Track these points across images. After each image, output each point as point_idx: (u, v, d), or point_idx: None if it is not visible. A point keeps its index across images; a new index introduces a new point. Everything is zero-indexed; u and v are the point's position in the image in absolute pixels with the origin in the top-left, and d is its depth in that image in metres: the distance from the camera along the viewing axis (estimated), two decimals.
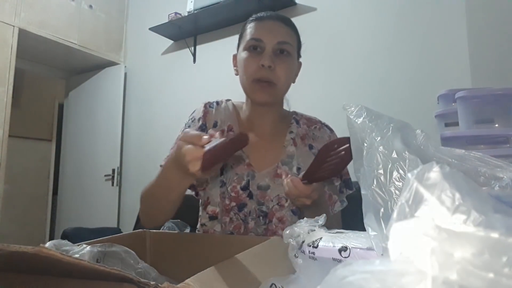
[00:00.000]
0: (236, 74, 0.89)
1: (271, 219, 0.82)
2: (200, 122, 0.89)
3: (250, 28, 0.84)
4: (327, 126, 0.95)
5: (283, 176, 0.74)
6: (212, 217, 0.84)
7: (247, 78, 0.82)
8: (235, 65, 0.90)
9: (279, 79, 0.81)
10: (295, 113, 0.96)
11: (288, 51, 0.82)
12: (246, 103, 0.92)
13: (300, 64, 0.92)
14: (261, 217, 0.83)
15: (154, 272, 0.54)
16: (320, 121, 0.95)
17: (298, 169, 0.84)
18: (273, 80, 0.80)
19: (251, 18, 0.87)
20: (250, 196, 0.83)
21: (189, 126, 0.90)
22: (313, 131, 0.92)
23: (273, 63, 0.79)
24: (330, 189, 0.87)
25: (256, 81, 0.81)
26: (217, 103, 0.92)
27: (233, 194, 0.83)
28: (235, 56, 0.90)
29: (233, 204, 0.83)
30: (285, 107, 0.96)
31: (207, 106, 0.92)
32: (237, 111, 0.93)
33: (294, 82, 0.90)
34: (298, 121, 0.93)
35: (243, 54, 0.83)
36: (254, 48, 0.82)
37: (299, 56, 0.90)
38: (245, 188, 0.83)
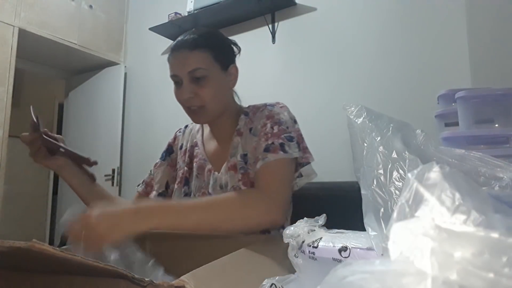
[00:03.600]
0: None
1: None
2: (167, 146, 1.06)
3: (169, 62, 0.90)
4: (270, 104, 0.92)
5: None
6: None
7: (181, 105, 0.89)
8: None
9: (205, 101, 0.85)
10: (247, 107, 0.97)
11: (203, 75, 0.84)
12: None
13: (233, 68, 0.91)
14: None
15: (150, 262, 0.54)
16: (266, 104, 0.93)
17: (244, 155, 0.88)
18: (200, 104, 0.85)
19: (170, 48, 0.90)
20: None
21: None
22: (256, 114, 0.92)
23: (192, 93, 0.84)
24: (257, 152, 0.84)
25: (187, 108, 0.88)
26: (186, 126, 1.07)
27: None
28: None
29: None
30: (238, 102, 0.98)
31: (177, 132, 1.07)
32: (202, 128, 1.03)
33: (232, 87, 0.93)
34: (247, 113, 0.94)
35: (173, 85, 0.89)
36: (176, 82, 0.88)
37: (226, 64, 0.89)
38: (211, 191, 0.91)
